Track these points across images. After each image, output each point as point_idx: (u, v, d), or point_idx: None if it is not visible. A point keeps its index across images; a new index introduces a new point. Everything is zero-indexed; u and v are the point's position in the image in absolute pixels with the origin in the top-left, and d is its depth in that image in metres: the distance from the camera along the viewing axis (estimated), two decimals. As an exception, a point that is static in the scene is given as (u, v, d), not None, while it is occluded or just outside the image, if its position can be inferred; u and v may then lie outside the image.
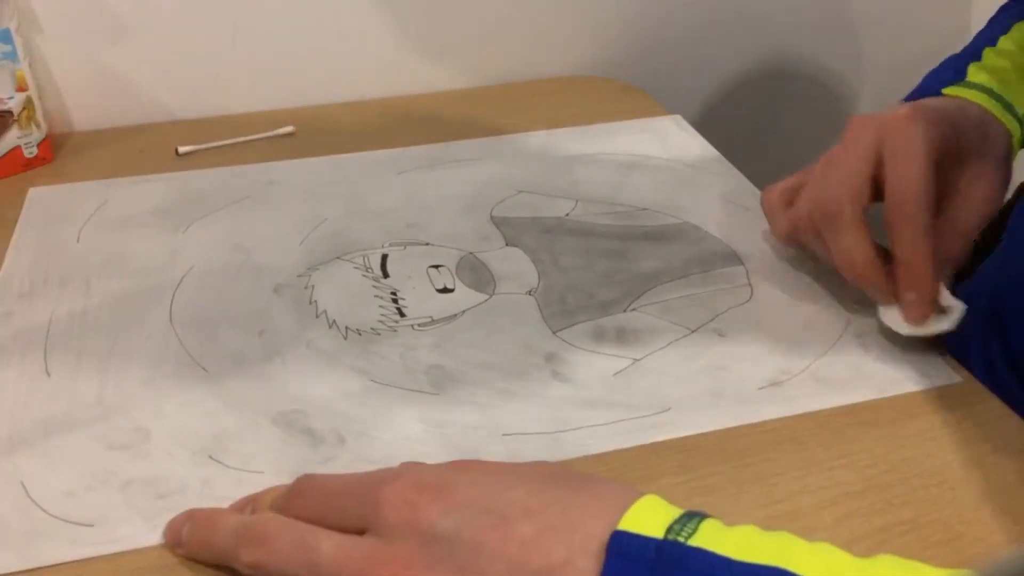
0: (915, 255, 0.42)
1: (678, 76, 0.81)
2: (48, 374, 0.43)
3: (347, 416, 0.41)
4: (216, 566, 0.33)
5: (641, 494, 0.30)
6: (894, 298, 0.44)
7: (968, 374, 0.44)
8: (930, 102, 0.46)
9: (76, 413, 0.40)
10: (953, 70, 0.51)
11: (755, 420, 0.41)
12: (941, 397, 0.43)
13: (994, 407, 0.42)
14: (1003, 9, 0.57)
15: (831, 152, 0.47)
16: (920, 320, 0.43)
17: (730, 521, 0.29)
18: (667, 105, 0.71)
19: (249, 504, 0.35)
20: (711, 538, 0.28)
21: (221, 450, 0.39)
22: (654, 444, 0.40)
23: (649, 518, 0.29)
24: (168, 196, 0.58)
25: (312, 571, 0.30)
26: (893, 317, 0.44)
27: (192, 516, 0.35)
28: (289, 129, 0.66)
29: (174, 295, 0.49)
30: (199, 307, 0.48)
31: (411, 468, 0.33)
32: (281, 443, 0.39)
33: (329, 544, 0.30)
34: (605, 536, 0.28)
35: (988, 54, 0.52)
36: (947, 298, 0.43)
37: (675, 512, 0.29)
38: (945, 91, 0.49)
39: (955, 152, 0.45)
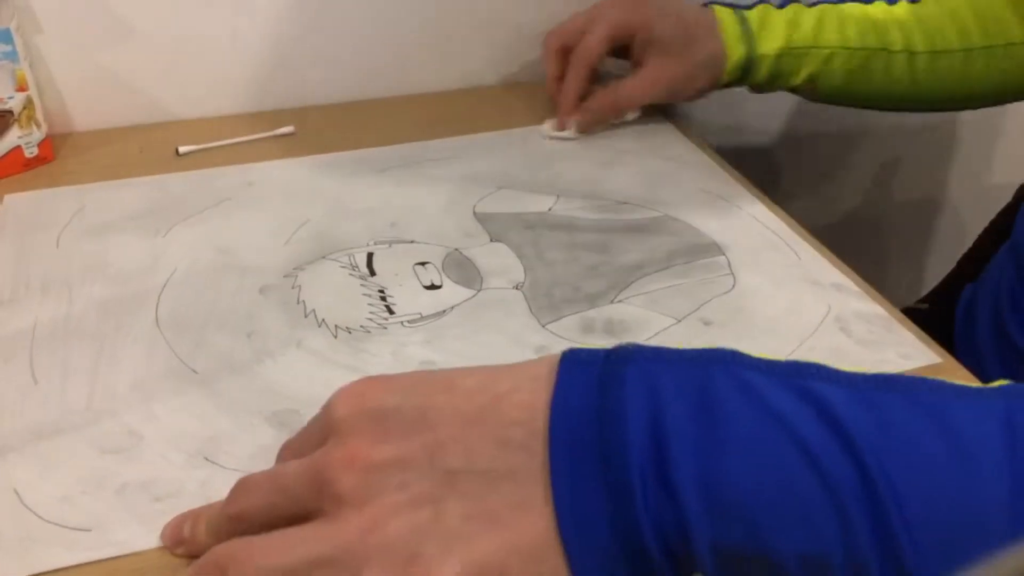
0: (568, 86, 0.64)
1: None
2: (35, 381, 0.42)
3: (341, 413, 0.41)
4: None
5: None
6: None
7: (954, 360, 0.45)
8: (668, 5, 0.62)
9: (66, 419, 0.40)
10: (754, 3, 0.63)
11: (744, 405, 0.42)
12: None
13: None
14: None
15: None
16: (557, 129, 0.66)
17: None
18: (667, 105, 0.72)
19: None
20: (651, 352, 0.30)
21: (216, 451, 0.39)
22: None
23: (595, 348, 0.31)
24: (146, 200, 0.57)
25: (280, 490, 0.31)
26: (549, 122, 0.67)
27: (191, 515, 0.35)
28: (289, 129, 0.66)
29: (159, 299, 0.48)
30: (185, 310, 0.47)
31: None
32: (277, 442, 0.39)
33: (294, 463, 0.31)
34: (551, 366, 0.30)
35: (798, 7, 0.63)
36: (571, 129, 0.66)
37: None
38: (712, 5, 0.63)
39: (644, 40, 0.62)
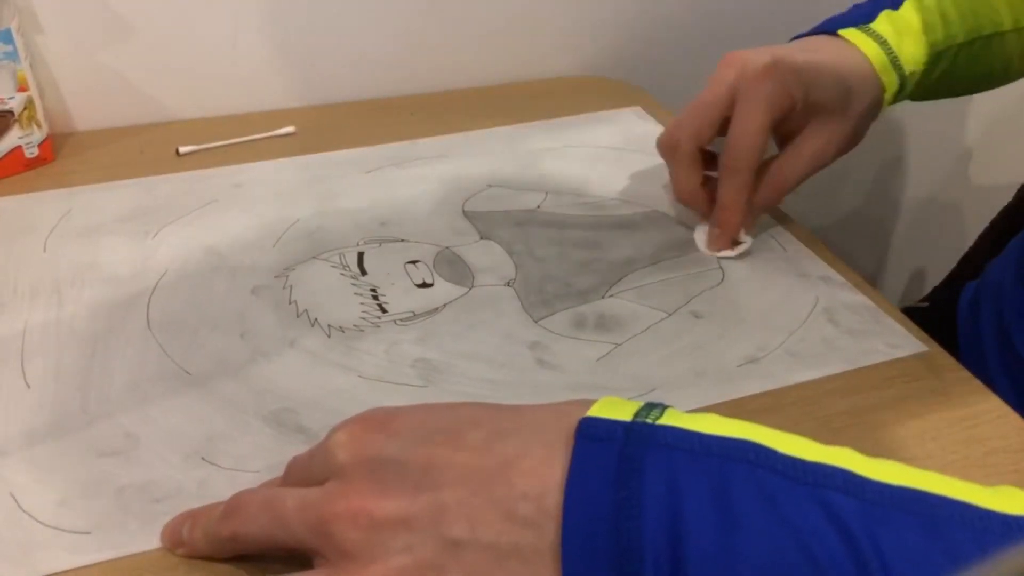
0: (729, 201, 0.50)
1: (678, 76, 0.82)
2: (28, 385, 0.42)
3: (339, 412, 0.41)
4: (216, 567, 0.33)
5: (597, 399, 0.30)
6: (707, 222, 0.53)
7: (950, 356, 0.46)
8: (799, 56, 0.50)
9: (61, 423, 0.40)
10: (868, 10, 0.54)
11: (737, 396, 0.43)
12: (943, 397, 0.43)
13: (996, 407, 0.43)
14: None
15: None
16: (717, 248, 0.52)
17: None
18: (667, 105, 0.72)
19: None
20: (678, 419, 0.29)
21: (214, 451, 0.39)
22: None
23: (614, 409, 0.29)
24: (134, 202, 0.57)
25: (280, 526, 0.31)
26: (700, 235, 0.53)
27: (190, 515, 0.35)
28: (289, 129, 0.66)
29: (150, 301, 0.48)
30: (177, 312, 0.47)
31: (360, 413, 0.33)
32: (274, 442, 0.39)
33: (292, 497, 0.31)
34: (562, 432, 0.29)
35: (908, 4, 0.54)
36: (743, 236, 0.52)
37: (639, 404, 0.30)
38: (841, 32, 0.53)
39: (801, 109, 0.50)
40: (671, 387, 0.43)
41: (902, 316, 0.48)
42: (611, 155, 0.65)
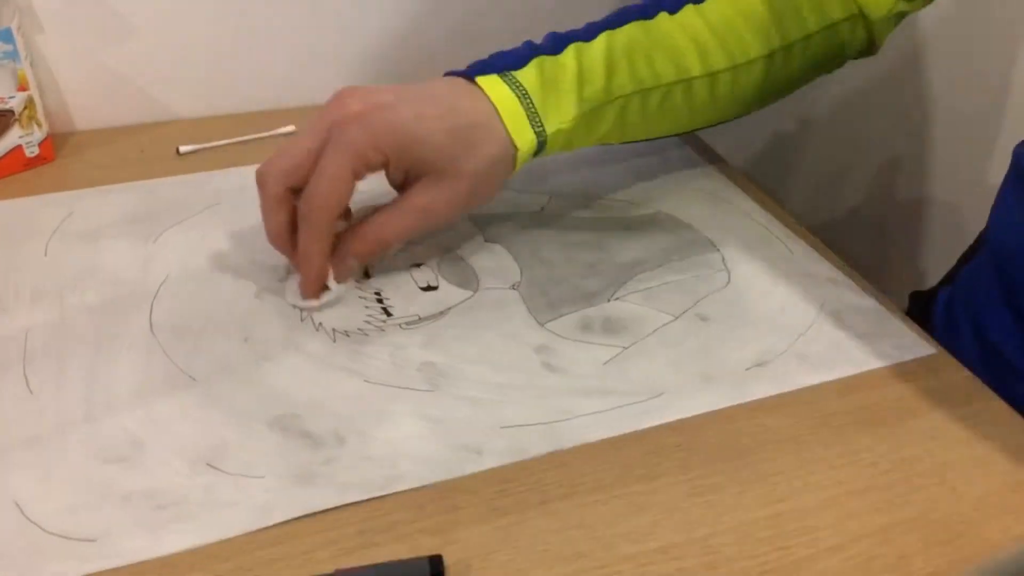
0: (305, 250, 0.46)
1: None
2: (31, 391, 0.42)
3: (344, 417, 0.41)
4: (223, 569, 0.33)
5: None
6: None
7: (959, 365, 0.46)
8: (404, 109, 0.45)
9: (65, 429, 0.39)
10: (524, 54, 0.49)
11: (746, 400, 0.42)
12: (941, 396, 0.43)
13: (996, 407, 0.43)
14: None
15: None
16: (305, 297, 0.47)
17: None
18: None
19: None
20: None
21: (219, 457, 0.38)
22: (655, 445, 0.40)
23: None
24: (135, 205, 0.56)
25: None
26: (292, 284, 0.48)
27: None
28: (289, 129, 0.66)
29: (152, 304, 0.48)
30: (180, 316, 0.47)
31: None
32: (280, 447, 0.39)
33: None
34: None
35: (569, 51, 0.49)
36: (332, 284, 0.47)
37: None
38: (479, 79, 0.48)
39: (409, 162, 0.46)
40: (679, 391, 0.43)
41: (907, 318, 0.48)
42: (618, 155, 0.64)
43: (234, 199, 0.58)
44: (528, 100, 0.48)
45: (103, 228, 0.54)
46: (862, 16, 0.56)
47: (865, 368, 0.44)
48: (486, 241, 0.54)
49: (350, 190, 0.45)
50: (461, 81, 0.48)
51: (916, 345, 0.46)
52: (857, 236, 1.03)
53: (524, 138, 0.47)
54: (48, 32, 0.62)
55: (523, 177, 0.61)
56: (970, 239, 0.71)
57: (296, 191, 0.45)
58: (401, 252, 0.52)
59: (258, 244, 0.53)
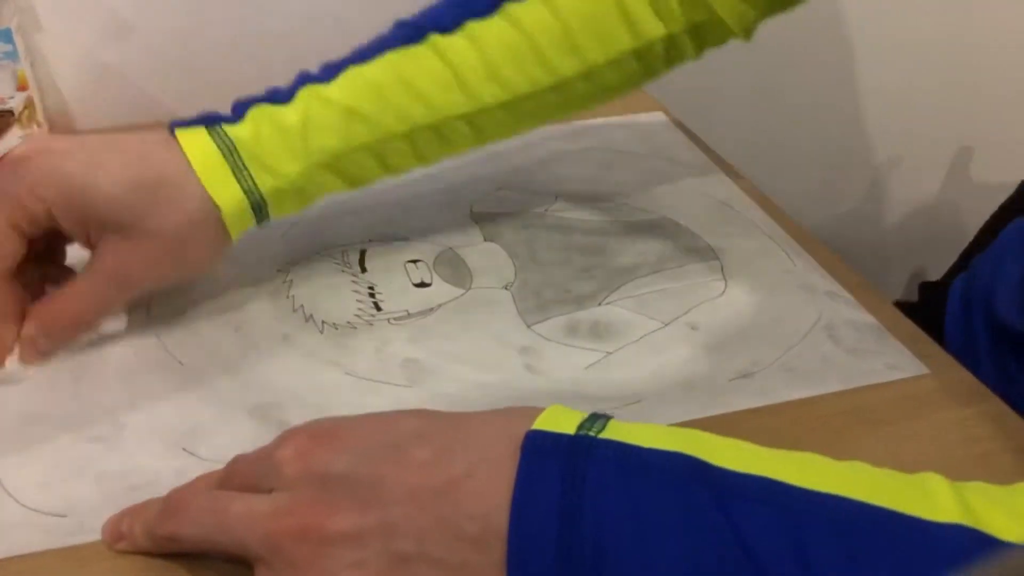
0: None
1: (679, 75, 0.81)
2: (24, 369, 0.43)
3: (320, 408, 0.41)
4: (190, 556, 0.34)
5: (544, 408, 0.31)
6: None
7: (965, 370, 0.45)
8: (70, 163, 0.40)
9: (52, 408, 0.41)
10: (246, 105, 0.44)
11: (725, 411, 0.42)
12: (942, 397, 0.43)
13: (996, 407, 0.42)
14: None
15: None
16: None
17: None
18: (668, 106, 0.71)
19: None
20: (619, 431, 0.30)
21: (195, 442, 0.39)
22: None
23: (559, 421, 0.30)
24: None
25: (223, 532, 0.31)
26: None
27: (130, 512, 0.35)
28: None
29: (152, 292, 0.49)
30: (178, 303, 0.48)
31: (306, 424, 0.33)
32: (254, 435, 0.40)
33: (237, 504, 0.31)
34: (508, 447, 0.29)
35: (299, 97, 0.45)
36: (11, 361, 0.41)
37: (583, 414, 0.30)
38: (178, 132, 0.42)
39: (75, 216, 0.40)
40: (657, 399, 0.42)
41: (909, 332, 0.47)
42: (625, 159, 0.64)
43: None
44: (236, 156, 0.42)
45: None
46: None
47: (853, 385, 0.43)
48: (485, 240, 0.54)
49: (14, 245, 0.40)
50: (162, 132, 0.43)
51: (910, 364, 0.45)
52: (857, 237, 1.03)
53: (226, 196, 0.42)
54: (48, 32, 0.63)
55: (529, 177, 0.61)
56: (969, 237, 0.70)
57: None
58: (400, 246, 0.53)
59: (254, 235, 0.54)
